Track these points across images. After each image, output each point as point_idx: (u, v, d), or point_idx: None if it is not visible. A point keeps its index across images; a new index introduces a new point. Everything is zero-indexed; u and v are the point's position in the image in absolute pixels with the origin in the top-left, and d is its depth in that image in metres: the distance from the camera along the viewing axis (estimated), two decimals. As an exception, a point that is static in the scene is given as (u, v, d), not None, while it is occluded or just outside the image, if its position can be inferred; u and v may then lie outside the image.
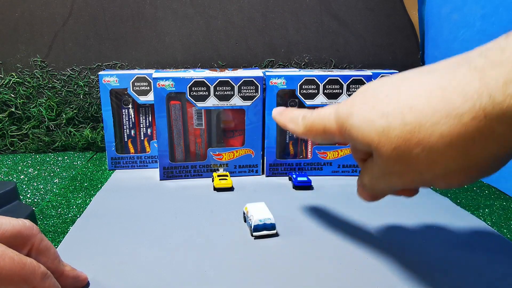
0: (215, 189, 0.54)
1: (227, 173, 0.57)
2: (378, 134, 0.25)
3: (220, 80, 0.56)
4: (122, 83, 0.60)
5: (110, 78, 0.60)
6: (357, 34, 0.77)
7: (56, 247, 0.38)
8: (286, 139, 0.61)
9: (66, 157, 0.72)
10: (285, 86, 0.57)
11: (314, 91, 0.57)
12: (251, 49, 0.77)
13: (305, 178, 0.55)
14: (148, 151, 0.64)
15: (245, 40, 0.76)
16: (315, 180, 0.58)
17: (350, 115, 0.28)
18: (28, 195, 0.55)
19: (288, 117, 0.36)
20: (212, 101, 0.57)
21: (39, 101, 0.73)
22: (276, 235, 0.41)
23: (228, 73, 0.57)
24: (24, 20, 0.71)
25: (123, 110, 0.63)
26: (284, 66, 0.78)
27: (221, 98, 0.57)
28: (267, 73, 0.57)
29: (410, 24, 0.78)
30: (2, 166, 0.68)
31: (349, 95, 0.57)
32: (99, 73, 0.60)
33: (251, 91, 0.57)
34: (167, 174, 0.58)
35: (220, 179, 0.55)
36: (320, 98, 0.57)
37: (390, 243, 0.40)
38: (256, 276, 0.34)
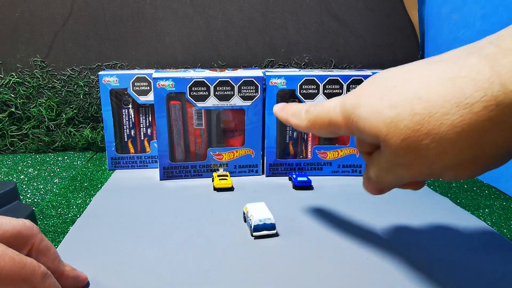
0: (215, 189, 0.54)
1: (227, 173, 0.57)
2: (387, 125, 0.24)
3: (220, 80, 0.56)
4: (122, 83, 0.60)
5: (110, 78, 0.60)
6: (357, 34, 0.77)
7: (56, 247, 0.38)
8: (286, 139, 0.61)
9: (66, 157, 0.72)
10: (285, 86, 0.57)
11: (314, 91, 0.57)
12: (251, 49, 0.77)
13: (305, 178, 0.55)
14: (148, 151, 0.64)
15: (245, 40, 0.76)
16: (315, 180, 0.58)
17: (357, 106, 0.27)
18: (28, 195, 0.55)
19: (290, 112, 0.35)
20: (212, 101, 0.57)
21: (39, 101, 0.73)
22: (276, 235, 0.41)
23: (228, 73, 0.57)
24: (24, 20, 0.71)
25: (123, 110, 0.63)
26: (284, 66, 0.78)
27: (221, 98, 0.57)
28: (267, 73, 0.57)
29: (410, 24, 0.78)
30: (2, 166, 0.68)
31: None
32: (99, 73, 0.60)
33: (251, 91, 0.57)
34: (167, 174, 0.58)
35: (220, 179, 0.55)
36: (320, 98, 0.57)
37: (390, 243, 0.40)
38: (256, 276, 0.34)
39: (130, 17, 0.73)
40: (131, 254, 0.37)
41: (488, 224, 0.45)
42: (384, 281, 0.33)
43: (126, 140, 0.64)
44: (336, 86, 0.57)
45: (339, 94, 0.58)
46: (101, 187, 0.56)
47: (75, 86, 0.74)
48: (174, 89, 0.55)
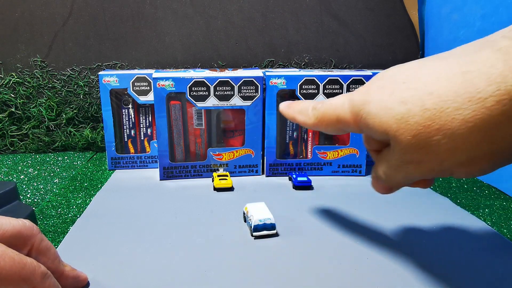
0: (215, 189, 0.54)
1: (227, 173, 0.57)
2: (397, 121, 0.24)
3: (220, 80, 0.56)
4: (122, 83, 0.60)
5: (110, 78, 0.60)
6: (357, 34, 0.77)
7: (56, 247, 0.38)
8: (286, 139, 0.61)
9: (66, 157, 0.72)
10: (285, 86, 0.57)
11: (314, 91, 0.57)
12: (251, 49, 0.77)
13: (305, 178, 0.55)
14: (148, 151, 0.64)
15: (245, 40, 0.76)
16: (315, 180, 0.58)
17: (366, 102, 0.26)
18: (28, 195, 0.55)
19: (297, 109, 0.35)
20: (212, 101, 0.57)
21: (39, 101, 0.73)
22: (276, 235, 0.41)
23: (228, 73, 0.57)
24: (24, 20, 0.71)
25: (123, 110, 0.63)
26: (284, 66, 0.78)
27: (221, 98, 0.57)
28: (267, 73, 0.57)
29: (410, 24, 0.78)
30: (2, 166, 0.68)
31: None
32: (99, 73, 0.60)
33: (251, 91, 0.57)
34: (167, 174, 0.58)
35: (220, 179, 0.55)
36: (320, 98, 0.57)
37: (390, 243, 0.40)
38: (256, 276, 0.34)
39: (130, 17, 0.73)
40: (131, 254, 0.37)
41: (488, 224, 0.45)
42: (384, 281, 0.33)
43: (126, 140, 0.64)
44: (336, 86, 0.57)
45: (339, 94, 0.57)
46: (101, 187, 0.56)
47: (75, 86, 0.74)
48: (174, 89, 0.55)
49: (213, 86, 0.56)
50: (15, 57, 0.72)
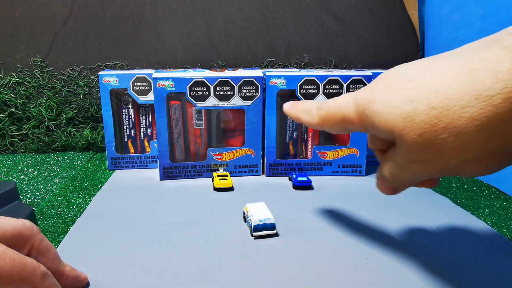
0: (215, 189, 0.54)
1: (227, 173, 0.57)
2: (403, 120, 0.24)
3: (220, 80, 0.56)
4: (122, 83, 0.60)
5: (110, 78, 0.60)
6: (357, 34, 0.77)
7: (56, 247, 0.39)
8: (286, 139, 0.61)
9: (66, 157, 0.72)
10: (285, 86, 0.57)
11: (314, 91, 0.57)
12: (251, 49, 0.77)
13: (305, 178, 0.55)
14: (148, 151, 0.64)
15: (245, 40, 0.76)
16: (315, 180, 0.58)
17: (371, 101, 0.26)
18: (28, 195, 0.55)
19: (301, 109, 0.34)
20: (212, 101, 0.57)
21: (39, 101, 0.73)
22: (276, 235, 0.41)
23: (228, 73, 0.57)
24: (24, 20, 0.71)
25: (123, 110, 0.63)
26: (284, 66, 0.78)
27: (221, 98, 0.57)
28: (267, 73, 0.57)
29: (410, 24, 0.78)
30: (2, 166, 0.68)
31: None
32: (99, 73, 0.60)
33: (251, 91, 0.57)
34: (167, 174, 0.58)
35: (220, 179, 0.55)
36: (320, 98, 0.57)
37: (390, 243, 0.40)
38: (256, 276, 0.34)
39: (130, 17, 0.73)
40: (131, 254, 0.37)
41: (488, 224, 0.45)
42: (384, 281, 0.33)
43: (126, 140, 0.64)
44: (336, 86, 0.57)
45: (339, 94, 0.58)
46: (101, 187, 0.56)
47: (75, 86, 0.74)
48: (174, 89, 0.55)
49: (213, 86, 0.56)
50: (15, 57, 0.72)
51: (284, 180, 0.59)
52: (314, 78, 0.57)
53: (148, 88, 0.61)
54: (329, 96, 0.57)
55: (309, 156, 0.61)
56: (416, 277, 0.34)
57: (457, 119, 0.22)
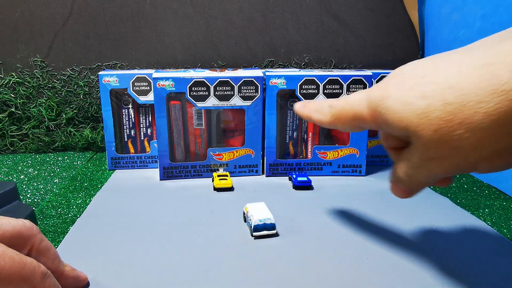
0: (215, 189, 0.54)
1: (227, 173, 0.57)
2: (417, 116, 0.23)
3: (220, 80, 0.56)
4: (122, 83, 0.60)
5: (110, 78, 0.60)
6: (357, 34, 0.77)
7: (56, 247, 0.39)
8: (286, 139, 0.61)
9: (66, 157, 0.72)
10: (285, 86, 0.57)
11: (314, 91, 0.57)
12: (251, 49, 0.77)
13: (305, 178, 0.55)
14: (148, 151, 0.64)
15: (245, 40, 0.76)
16: (315, 180, 0.58)
17: (385, 98, 0.26)
18: (28, 195, 0.55)
19: (312, 108, 0.34)
20: (212, 101, 0.57)
21: (39, 101, 0.73)
22: (276, 235, 0.41)
23: (228, 73, 0.57)
24: (24, 20, 0.71)
25: (123, 110, 0.63)
26: (284, 66, 0.78)
27: (221, 98, 0.57)
28: (267, 73, 0.57)
29: (410, 24, 0.78)
30: (2, 166, 0.68)
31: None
32: (99, 73, 0.60)
33: (251, 91, 0.57)
34: (167, 174, 0.58)
35: (220, 179, 0.55)
36: (320, 98, 0.57)
37: (390, 243, 0.40)
38: (256, 276, 0.34)
39: (130, 17, 0.73)
40: (131, 254, 0.37)
41: (488, 224, 0.45)
42: (384, 281, 0.33)
43: (126, 140, 0.64)
44: (336, 86, 0.57)
45: (339, 94, 0.58)
46: (101, 187, 0.56)
47: (75, 86, 0.74)
48: (174, 89, 0.55)
49: (213, 86, 0.56)
50: (15, 57, 0.72)
51: (284, 180, 0.59)
52: (314, 78, 0.57)
53: (148, 88, 0.61)
54: (329, 96, 0.57)
55: (309, 156, 0.61)
56: (416, 276, 0.34)
57: (472, 114, 0.21)
